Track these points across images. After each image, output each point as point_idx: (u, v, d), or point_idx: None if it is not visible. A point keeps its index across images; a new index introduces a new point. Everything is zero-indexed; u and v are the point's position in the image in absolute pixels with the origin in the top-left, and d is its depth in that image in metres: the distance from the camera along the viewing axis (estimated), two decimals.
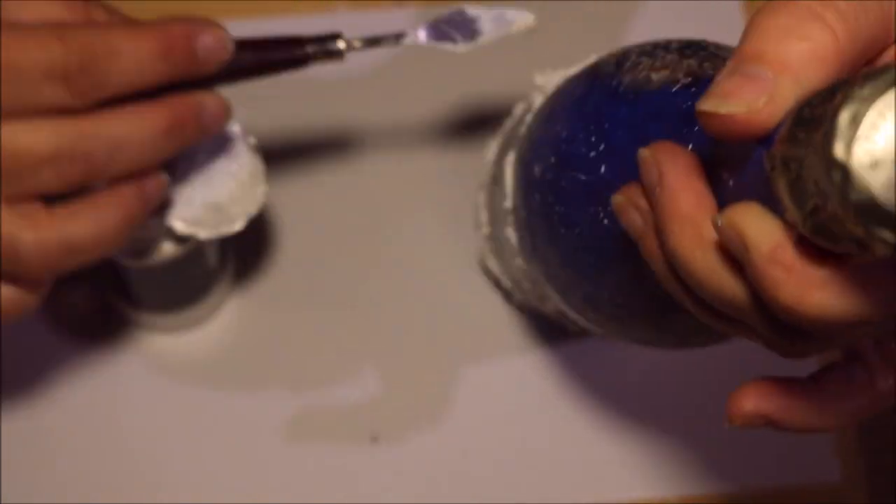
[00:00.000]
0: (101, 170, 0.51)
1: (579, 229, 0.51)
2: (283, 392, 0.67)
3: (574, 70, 0.58)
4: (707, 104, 0.38)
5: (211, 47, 0.52)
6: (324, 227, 0.70)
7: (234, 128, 0.59)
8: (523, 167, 0.56)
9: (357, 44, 0.57)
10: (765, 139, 0.38)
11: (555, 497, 0.66)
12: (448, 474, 0.66)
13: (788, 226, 0.37)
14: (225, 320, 0.68)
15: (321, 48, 0.56)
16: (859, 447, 0.68)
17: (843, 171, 0.33)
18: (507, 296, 0.68)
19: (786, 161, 0.35)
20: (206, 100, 0.53)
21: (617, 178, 0.48)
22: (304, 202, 0.70)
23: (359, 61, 0.73)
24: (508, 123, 0.64)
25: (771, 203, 0.37)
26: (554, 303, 0.58)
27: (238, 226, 0.58)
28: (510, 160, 0.57)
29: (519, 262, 0.58)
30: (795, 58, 0.37)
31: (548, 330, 0.68)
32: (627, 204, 0.43)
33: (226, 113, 0.54)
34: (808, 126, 0.35)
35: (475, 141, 0.71)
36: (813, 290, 0.37)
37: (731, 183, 0.41)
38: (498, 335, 0.69)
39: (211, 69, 0.53)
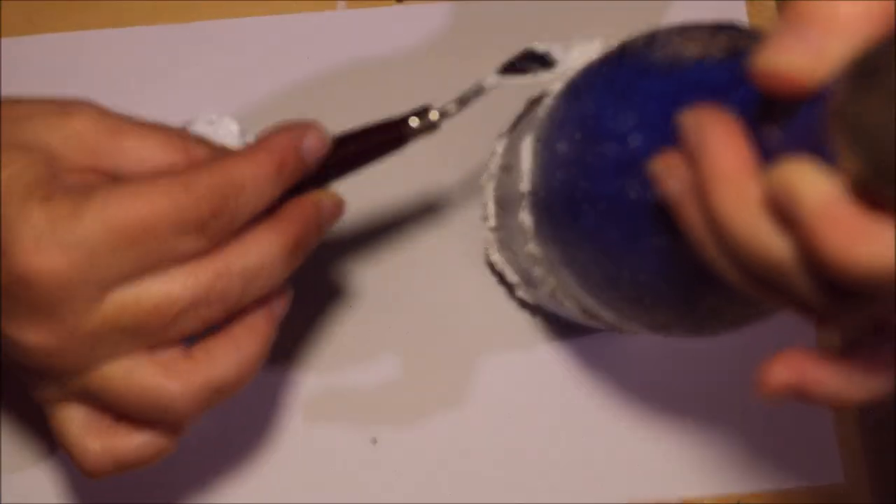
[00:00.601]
0: (238, 303, 0.51)
1: (603, 204, 0.51)
2: (283, 392, 0.67)
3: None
4: (759, 60, 0.39)
5: (315, 147, 0.52)
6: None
7: (234, 128, 0.59)
8: (545, 146, 0.56)
9: (451, 109, 0.57)
10: (812, 97, 0.39)
11: (557, 497, 0.66)
12: (448, 474, 0.66)
13: (842, 178, 0.37)
14: None
15: (419, 125, 0.56)
16: (862, 448, 0.67)
17: None
18: (512, 290, 0.68)
19: (848, 111, 0.36)
20: (322, 199, 0.54)
21: (647, 149, 0.48)
22: None
23: (360, 57, 0.73)
24: (523, 116, 0.64)
25: (821, 157, 0.38)
26: (564, 290, 0.58)
27: None
28: (527, 144, 0.58)
29: (532, 247, 0.58)
30: (843, 16, 0.38)
31: (552, 326, 0.68)
32: (666, 170, 0.44)
33: (341, 206, 0.55)
34: (873, 75, 0.36)
35: (481, 133, 0.71)
36: (865, 243, 0.36)
37: (775, 143, 0.41)
38: (500, 333, 0.69)
39: (314, 167, 0.53)
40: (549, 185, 0.55)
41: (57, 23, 0.73)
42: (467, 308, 0.69)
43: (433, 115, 0.56)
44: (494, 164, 0.64)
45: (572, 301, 0.59)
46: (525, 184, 0.57)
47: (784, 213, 0.39)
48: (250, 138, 0.59)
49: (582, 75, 0.55)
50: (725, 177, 0.41)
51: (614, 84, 0.52)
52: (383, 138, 0.56)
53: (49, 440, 0.66)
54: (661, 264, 0.51)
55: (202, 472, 0.66)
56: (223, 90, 0.72)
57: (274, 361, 0.68)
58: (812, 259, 0.38)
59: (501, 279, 0.68)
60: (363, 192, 0.71)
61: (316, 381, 0.67)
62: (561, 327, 0.68)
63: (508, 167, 0.61)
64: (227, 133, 0.59)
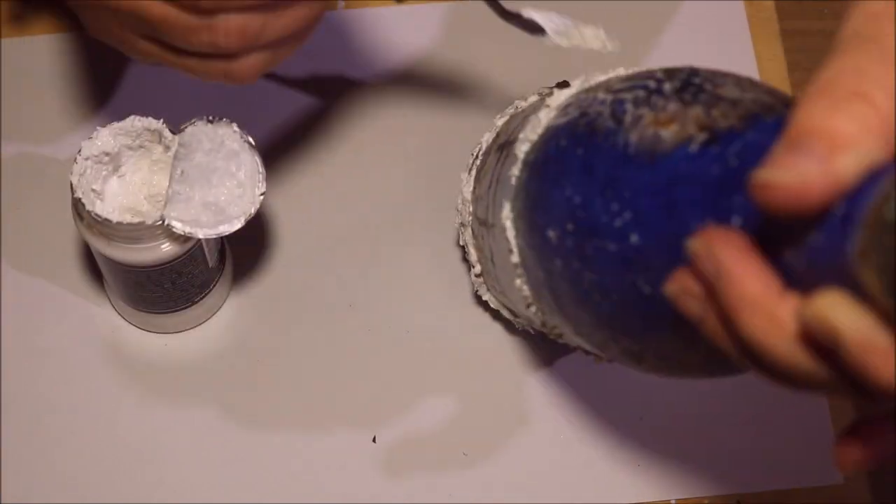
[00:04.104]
0: None
1: (616, 296, 0.50)
2: (283, 392, 0.67)
3: (554, 101, 0.56)
4: (761, 175, 0.39)
5: None
6: (322, 226, 0.70)
7: (234, 128, 0.59)
8: (532, 230, 0.53)
9: None
10: (828, 221, 0.38)
11: (557, 497, 0.66)
12: (448, 474, 0.66)
13: (876, 311, 0.37)
14: (224, 320, 0.68)
15: None
16: None
17: None
18: (509, 323, 0.67)
19: (875, 250, 0.36)
20: None
21: (650, 244, 0.47)
22: (304, 202, 0.70)
23: (360, 57, 0.73)
24: (478, 152, 0.63)
25: (849, 287, 0.38)
26: (577, 345, 0.58)
27: (237, 225, 0.58)
28: (507, 214, 0.56)
29: (533, 310, 0.57)
30: (847, 133, 0.38)
31: (551, 346, 0.68)
32: (682, 292, 0.43)
33: None
34: None
35: (475, 146, 0.71)
36: None
37: (793, 266, 0.40)
38: (499, 335, 0.69)
39: None
40: (548, 269, 0.53)
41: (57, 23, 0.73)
42: (466, 311, 0.69)
43: None
44: (466, 211, 0.63)
45: (577, 345, 0.58)
46: (515, 256, 0.56)
47: (823, 344, 0.39)
48: (251, 140, 0.59)
49: (553, 150, 0.53)
50: (752, 304, 0.40)
51: (594, 171, 0.50)
52: None
53: (49, 440, 0.66)
54: (687, 344, 0.49)
55: (202, 472, 0.66)
56: (223, 90, 0.72)
57: (273, 366, 0.68)
58: (858, 383, 0.39)
59: (497, 316, 0.68)
60: (361, 191, 0.71)
61: (315, 381, 0.67)
62: (559, 347, 0.68)
63: (486, 223, 0.59)
64: (227, 133, 0.59)
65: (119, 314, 0.68)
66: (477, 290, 0.65)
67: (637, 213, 0.48)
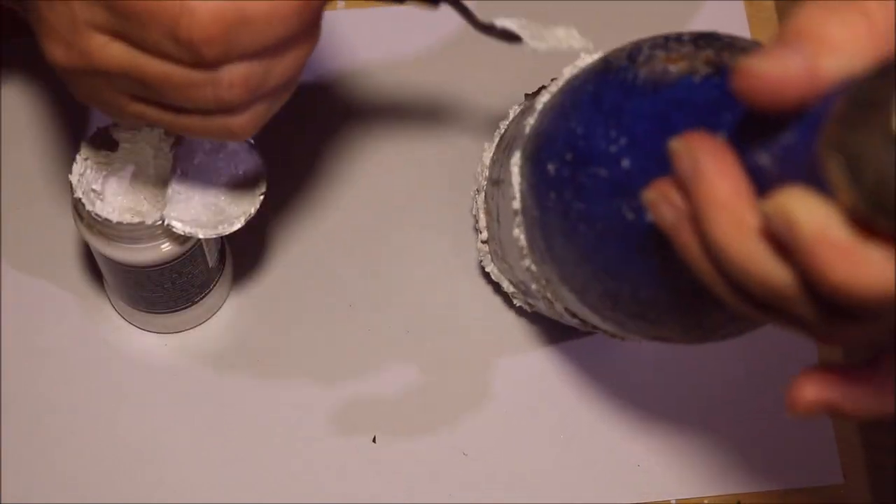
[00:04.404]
0: None
1: (600, 224, 0.51)
2: (283, 392, 0.67)
3: (574, 69, 0.58)
4: (746, 62, 0.39)
5: None
6: (322, 227, 0.70)
7: None
8: (534, 166, 0.55)
9: None
10: (802, 120, 0.39)
11: (556, 497, 0.66)
12: (448, 474, 0.66)
13: (838, 206, 0.37)
14: (224, 320, 0.68)
15: None
16: (862, 448, 0.67)
17: None
18: (508, 297, 0.68)
19: (841, 143, 0.36)
20: None
21: (640, 171, 0.48)
22: (304, 202, 0.70)
23: (360, 57, 0.73)
24: (504, 125, 0.64)
25: (814, 184, 0.38)
26: (563, 305, 0.58)
27: (237, 225, 0.58)
28: (516, 161, 0.57)
29: (527, 263, 0.58)
30: (836, 37, 0.39)
31: (550, 330, 0.68)
32: (659, 198, 0.43)
33: None
34: (866, 108, 0.36)
35: (475, 143, 0.71)
36: (866, 268, 0.37)
37: (765, 166, 0.41)
38: (499, 337, 0.69)
39: None
40: (543, 205, 0.54)
41: None
42: (463, 312, 0.69)
43: None
44: (482, 176, 0.64)
45: (572, 315, 0.58)
46: (517, 202, 0.57)
47: (782, 240, 0.39)
48: (251, 140, 0.59)
49: (566, 92, 0.55)
50: (721, 204, 0.40)
51: (601, 103, 0.52)
52: None
53: (49, 440, 0.66)
54: (661, 281, 0.51)
55: (202, 472, 0.66)
56: None
57: (273, 366, 0.68)
58: (813, 284, 0.38)
59: (497, 289, 0.68)
60: (361, 191, 0.71)
61: (315, 381, 0.67)
62: (560, 330, 0.68)
63: (498, 181, 0.60)
64: None
65: (119, 314, 0.68)
66: (481, 261, 0.66)
67: (632, 138, 0.50)
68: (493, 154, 0.63)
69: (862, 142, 0.36)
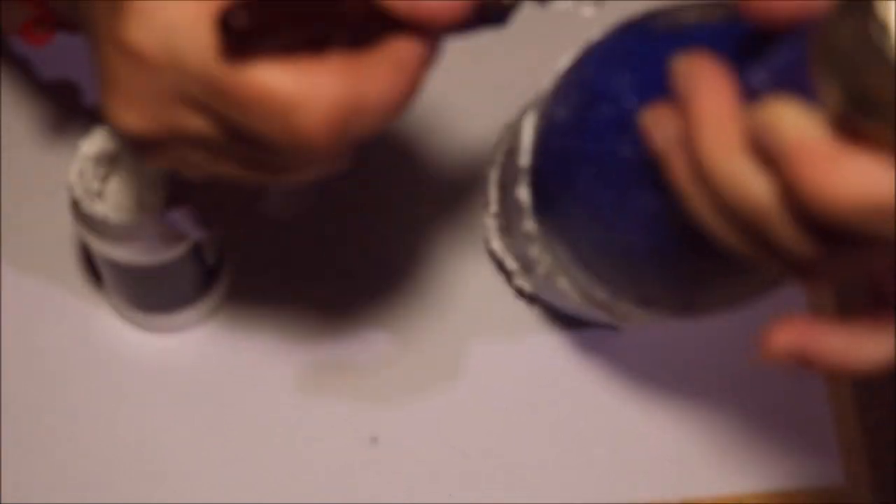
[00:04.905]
0: None
1: (596, 163, 0.52)
2: (283, 392, 0.67)
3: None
4: None
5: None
6: (323, 226, 0.70)
7: None
8: (544, 117, 0.56)
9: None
10: (796, 34, 0.39)
11: (556, 497, 0.66)
12: (448, 474, 0.66)
13: (824, 115, 0.37)
14: (224, 320, 0.68)
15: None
16: (862, 448, 0.67)
17: (883, 29, 0.34)
18: (510, 278, 0.68)
19: (826, 46, 0.36)
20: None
21: (642, 104, 0.48)
22: (303, 203, 0.70)
23: None
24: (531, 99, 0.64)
25: (806, 98, 0.38)
26: (560, 271, 0.58)
27: (236, 225, 0.58)
28: (529, 120, 0.58)
29: (528, 224, 0.59)
30: None
31: (549, 318, 0.68)
32: (655, 121, 0.44)
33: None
34: (848, 6, 0.36)
35: (483, 122, 0.71)
36: (845, 175, 0.36)
37: (761, 84, 0.41)
38: (498, 324, 0.69)
39: None
40: (547, 152, 0.56)
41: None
42: (465, 301, 0.69)
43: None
44: (499, 151, 0.64)
45: (567, 280, 0.59)
46: (524, 158, 0.58)
47: (765, 151, 0.38)
48: None
49: (584, 52, 0.56)
50: (710, 120, 0.40)
51: (613, 50, 0.53)
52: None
53: (49, 440, 0.66)
54: (650, 227, 0.52)
55: (201, 472, 0.66)
56: None
57: (273, 365, 0.68)
58: (793, 196, 0.38)
59: (501, 267, 0.68)
60: (364, 175, 0.71)
61: (315, 381, 0.67)
62: (559, 320, 0.68)
63: (511, 150, 0.61)
64: None
65: (119, 314, 0.68)
66: (488, 237, 0.66)
67: (636, 77, 0.51)
68: (513, 129, 0.63)
69: (842, 34, 0.36)
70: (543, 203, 0.57)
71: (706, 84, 0.41)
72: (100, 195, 0.61)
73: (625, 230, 0.53)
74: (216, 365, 0.67)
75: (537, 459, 0.67)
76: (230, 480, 0.66)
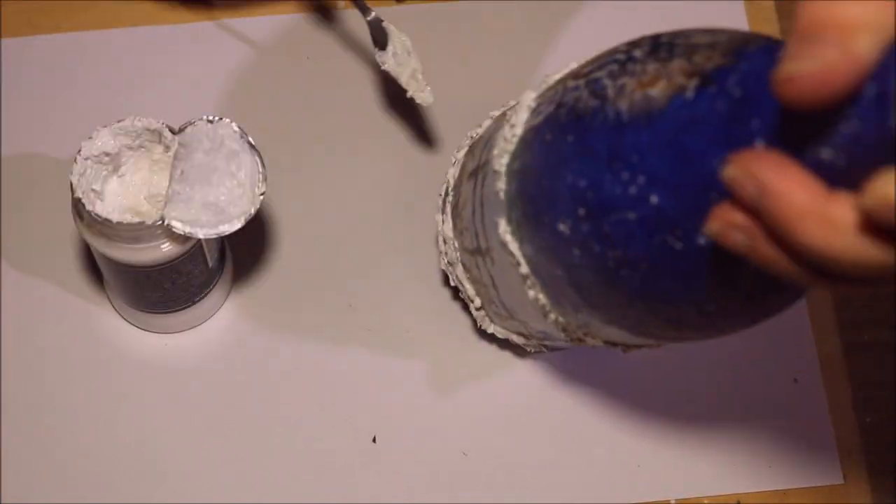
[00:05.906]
0: None
1: (646, 265, 0.49)
2: (283, 392, 0.67)
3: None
4: (783, 69, 0.38)
5: None
6: (322, 227, 0.70)
7: (234, 128, 0.59)
8: (539, 230, 0.53)
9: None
10: (860, 103, 0.38)
11: (556, 497, 0.66)
12: (448, 474, 0.66)
13: None
14: (224, 320, 0.68)
15: None
16: (862, 448, 0.67)
17: None
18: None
19: None
20: None
21: (671, 199, 0.47)
22: (303, 203, 0.70)
23: (360, 57, 0.73)
24: (445, 189, 0.63)
25: (894, 161, 0.37)
26: (604, 339, 0.57)
27: (237, 225, 0.58)
28: (504, 229, 0.55)
29: (553, 317, 0.56)
30: (857, 16, 0.38)
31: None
32: (724, 227, 0.43)
33: None
34: None
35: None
36: None
37: (830, 162, 0.40)
38: (498, 348, 0.69)
39: None
40: (567, 264, 0.52)
41: (57, 23, 0.73)
42: (460, 308, 0.69)
43: None
44: (451, 249, 0.63)
45: (611, 344, 0.58)
46: (524, 267, 0.55)
47: (887, 224, 0.38)
48: (251, 140, 0.59)
49: (538, 148, 0.52)
50: (803, 213, 0.40)
51: (593, 150, 0.49)
52: None
53: (49, 440, 0.66)
54: (726, 285, 0.49)
55: (202, 472, 0.66)
56: (223, 90, 0.72)
57: (273, 365, 0.68)
58: None
59: (505, 344, 0.67)
60: (361, 191, 0.71)
61: (315, 381, 0.67)
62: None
63: (479, 250, 0.59)
64: (228, 133, 0.59)
65: (119, 314, 0.68)
66: (480, 325, 0.65)
67: (651, 174, 0.47)
68: (455, 224, 0.62)
69: None
70: (577, 301, 0.54)
71: (779, 182, 0.40)
72: (100, 195, 0.60)
73: (696, 301, 0.50)
74: (216, 365, 0.67)
75: (537, 459, 0.67)
76: (230, 480, 0.66)
